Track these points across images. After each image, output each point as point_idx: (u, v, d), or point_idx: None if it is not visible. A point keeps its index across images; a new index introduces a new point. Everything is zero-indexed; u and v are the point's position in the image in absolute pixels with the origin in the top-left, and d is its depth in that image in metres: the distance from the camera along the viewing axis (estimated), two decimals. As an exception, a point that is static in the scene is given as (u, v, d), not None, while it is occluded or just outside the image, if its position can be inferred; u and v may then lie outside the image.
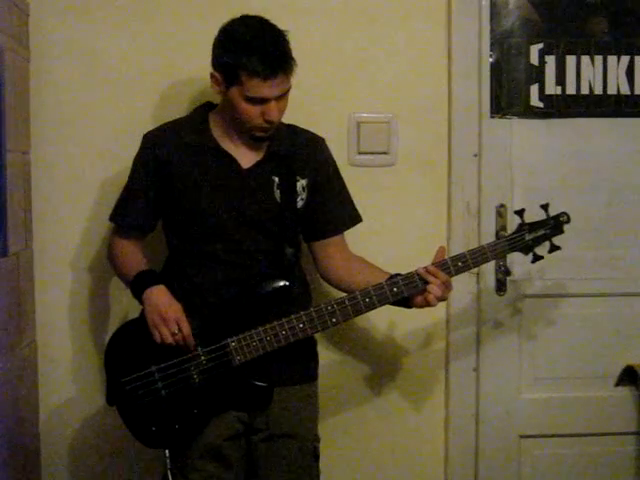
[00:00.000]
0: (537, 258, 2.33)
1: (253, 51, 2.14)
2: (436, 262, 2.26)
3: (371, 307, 2.24)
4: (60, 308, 2.73)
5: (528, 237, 2.30)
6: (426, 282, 2.23)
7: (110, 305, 2.74)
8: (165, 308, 2.22)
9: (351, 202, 2.47)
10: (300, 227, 2.42)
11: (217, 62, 2.22)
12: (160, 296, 2.25)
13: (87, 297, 2.75)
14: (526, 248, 2.31)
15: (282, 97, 2.21)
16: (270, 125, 2.23)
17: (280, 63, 2.16)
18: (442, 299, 2.26)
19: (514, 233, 2.32)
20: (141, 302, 2.28)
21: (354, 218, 2.47)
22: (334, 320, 2.23)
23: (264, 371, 2.26)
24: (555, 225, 2.32)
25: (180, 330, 2.21)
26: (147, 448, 2.33)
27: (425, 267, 2.25)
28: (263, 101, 2.18)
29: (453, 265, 2.25)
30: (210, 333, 2.24)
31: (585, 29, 2.82)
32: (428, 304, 2.25)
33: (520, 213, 2.32)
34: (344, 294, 2.29)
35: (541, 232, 2.31)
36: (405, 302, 2.28)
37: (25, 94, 2.61)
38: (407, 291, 2.24)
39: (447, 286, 2.25)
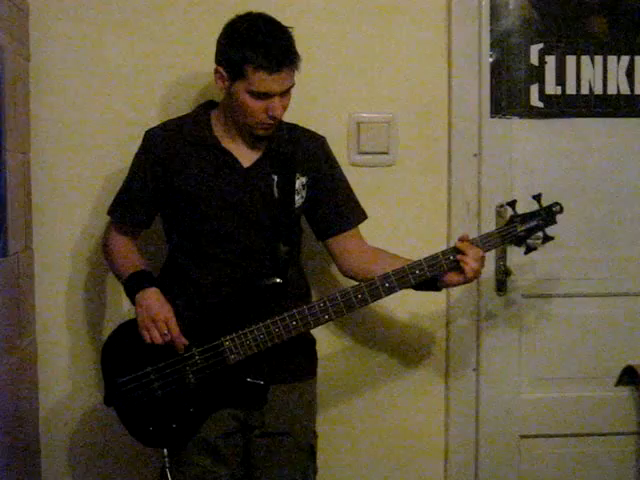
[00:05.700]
0: (530, 249, 2.30)
1: (259, 45, 2.15)
2: (433, 255, 2.23)
3: (364, 302, 2.23)
4: (60, 308, 2.74)
5: (520, 228, 2.27)
6: (437, 270, 2.22)
7: (110, 305, 2.74)
8: (155, 310, 2.23)
9: (356, 198, 2.46)
10: (314, 226, 2.43)
11: (222, 57, 2.22)
12: (152, 298, 2.25)
13: (87, 297, 2.75)
14: (518, 240, 2.28)
15: (286, 93, 2.22)
16: (273, 122, 2.23)
17: (285, 58, 2.17)
18: (478, 272, 2.23)
19: (506, 225, 2.29)
20: (133, 302, 2.29)
21: (364, 213, 2.46)
22: (327, 317, 2.23)
23: (260, 369, 2.26)
24: (548, 215, 2.29)
25: (169, 331, 2.22)
26: (145, 446, 2.34)
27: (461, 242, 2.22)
28: (267, 96, 2.18)
29: (445, 259, 2.22)
30: (204, 332, 2.25)
31: (585, 29, 2.82)
32: (465, 278, 2.23)
33: (512, 205, 2.29)
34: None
35: (533, 223, 2.28)
36: (434, 284, 2.27)
37: (25, 94, 2.61)
38: (400, 286, 2.23)
39: (481, 260, 2.24)
